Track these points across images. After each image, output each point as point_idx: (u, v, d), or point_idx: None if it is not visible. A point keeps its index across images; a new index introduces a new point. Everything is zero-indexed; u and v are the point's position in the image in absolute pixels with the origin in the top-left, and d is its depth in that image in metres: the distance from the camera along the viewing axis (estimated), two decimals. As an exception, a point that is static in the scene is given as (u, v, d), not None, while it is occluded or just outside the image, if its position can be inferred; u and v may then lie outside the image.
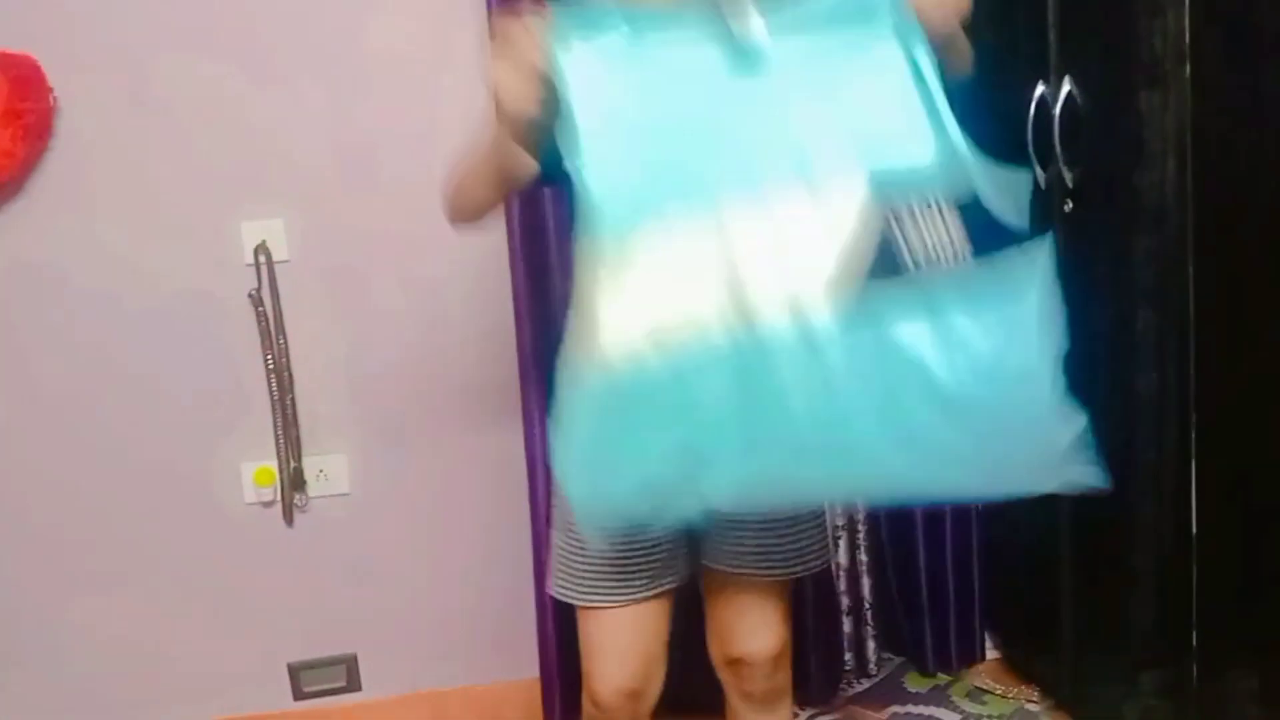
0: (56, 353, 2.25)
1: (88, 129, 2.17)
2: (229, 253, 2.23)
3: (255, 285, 2.23)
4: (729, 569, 1.60)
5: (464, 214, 1.57)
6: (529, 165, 1.42)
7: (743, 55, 1.22)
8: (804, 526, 1.60)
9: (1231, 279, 1.70)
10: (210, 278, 2.24)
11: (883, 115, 1.20)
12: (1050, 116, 1.92)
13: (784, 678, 1.66)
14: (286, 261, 2.23)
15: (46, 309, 2.23)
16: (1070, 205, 1.93)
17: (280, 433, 2.28)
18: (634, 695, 1.59)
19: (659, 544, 1.55)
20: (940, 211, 1.17)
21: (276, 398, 2.26)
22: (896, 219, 1.18)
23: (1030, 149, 1.97)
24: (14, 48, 2.09)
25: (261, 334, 2.24)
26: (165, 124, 2.19)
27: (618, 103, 1.23)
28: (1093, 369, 1.95)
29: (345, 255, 2.27)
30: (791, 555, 1.59)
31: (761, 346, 1.16)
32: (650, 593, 1.57)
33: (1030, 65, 1.96)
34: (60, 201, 2.19)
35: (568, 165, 1.22)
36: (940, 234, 1.17)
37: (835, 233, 1.17)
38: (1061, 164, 1.92)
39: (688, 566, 1.61)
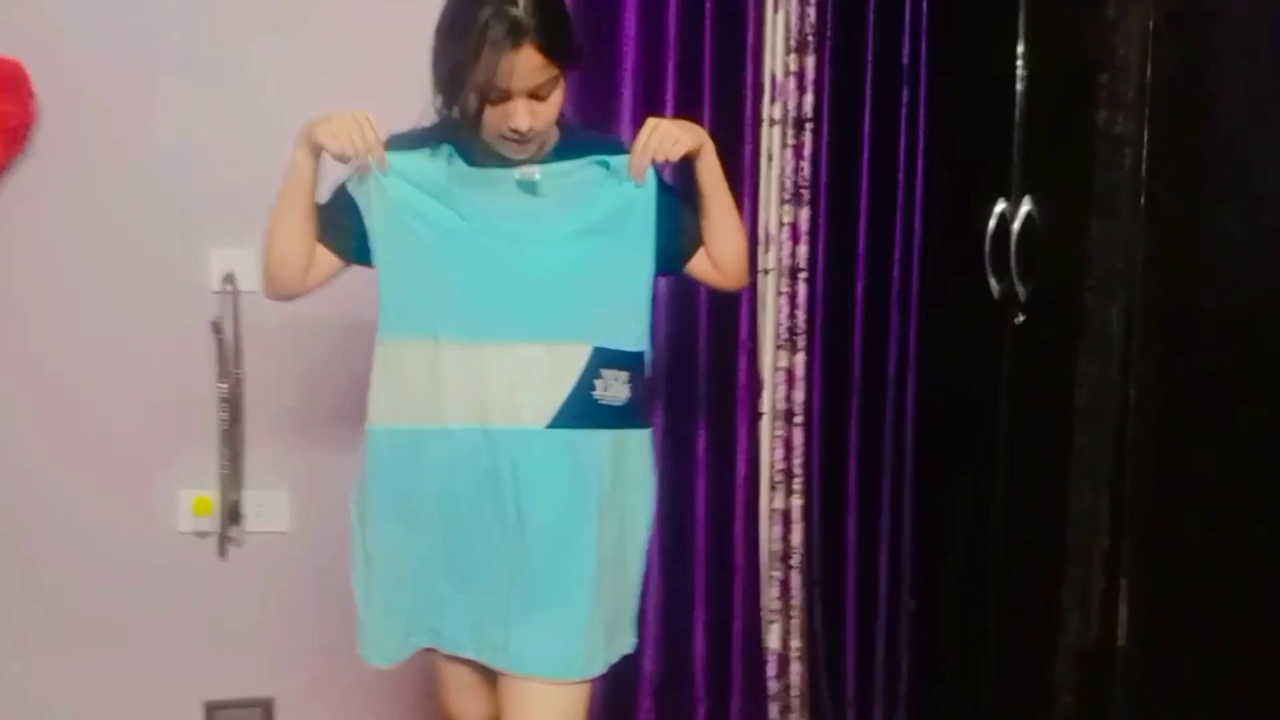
0: (7, 356, 2.24)
1: (66, 138, 2.19)
2: (195, 278, 2.24)
3: (218, 313, 2.24)
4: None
5: (277, 267, 1.66)
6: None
7: (524, 196, 1.62)
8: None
9: (1169, 404, 1.76)
10: (174, 301, 2.25)
11: (616, 308, 1.66)
12: (1009, 232, 2.00)
13: None
14: (253, 293, 2.24)
15: (1, 314, 2.23)
16: (1021, 318, 2.00)
17: (225, 463, 2.27)
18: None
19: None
20: (620, 377, 1.67)
21: (226, 427, 2.26)
22: (598, 379, 1.66)
23: (987, 260, 2.04)
24: (1, 52, 2.12)
25: (219, 362, 2.24)
26: (145, 142, 2.22)
27: (414, 235, 1.62)
28: (1027, 483, 2.01)
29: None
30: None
31: (488, 439, 1.62)
32: None
33: (994, 182, 2.04)
34: (30, 208, 2.20)
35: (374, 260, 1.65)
36: (619, 385, 1.67)
37: (558, 377, 1.63)
38: (1015, 278, 1.99)
39: None
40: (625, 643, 1.75)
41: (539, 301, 1.63)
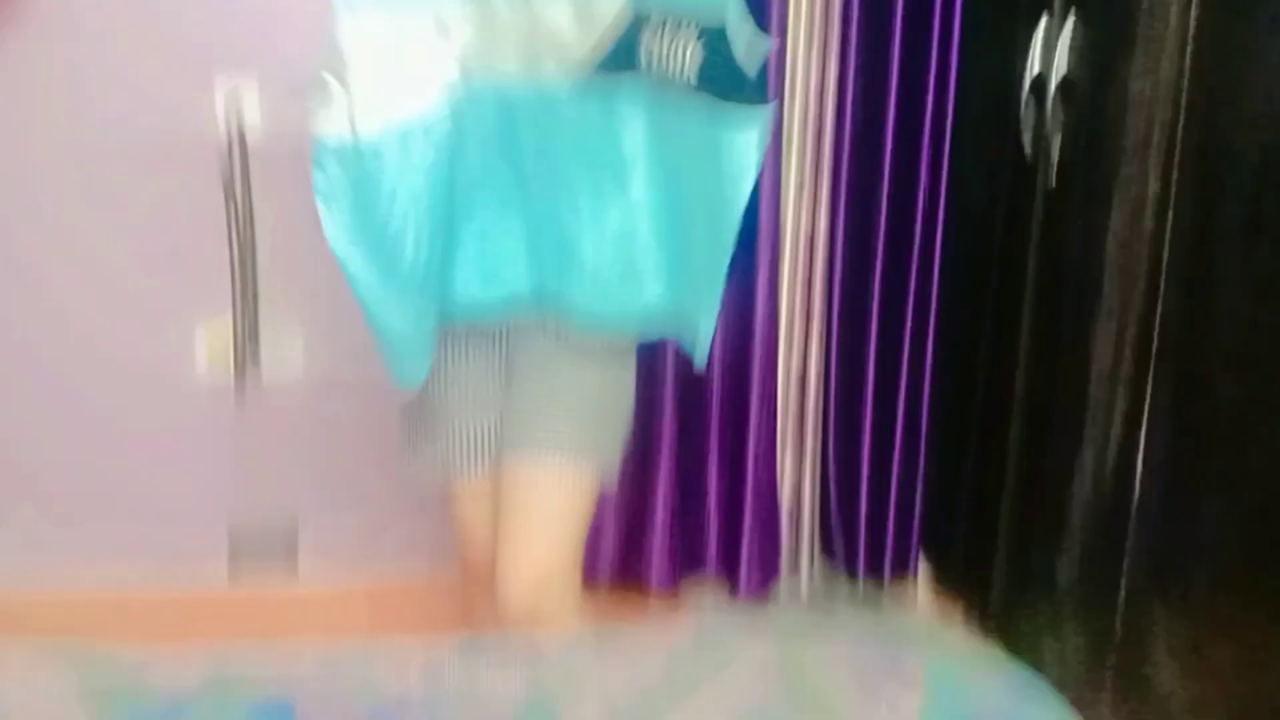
0: (17, 199, 2.19)
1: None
2: (201, 108, 2.15)
3: (224, 148, 2.15)
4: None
5: None
6: None
7: None
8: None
9: (1201, 254, 1.73)
10: (180, 133, 2.17)
11: None
12: (1045, 89, 1.93)
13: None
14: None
15: (6, 146, 2.17)
16: (1055, 180, 1.95)
17: (239, 302, 2.23)
18: None
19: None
20: (683, 34, 1.33)
21: (238, 266, 2.21)
22: (647, 26, 1.35)
23: (1021, 118, 1.99)
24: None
25: (227, 200, 2.18)
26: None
27: None
28: (1052, 335, 2.00)
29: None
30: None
31: (506, 99, 1.41)
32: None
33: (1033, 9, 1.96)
34: (35, 35, 2.11)
35: None
36: (677, 53, 1.33)
37: (591, 23, 1.37)
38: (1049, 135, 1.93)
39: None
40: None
41: None
